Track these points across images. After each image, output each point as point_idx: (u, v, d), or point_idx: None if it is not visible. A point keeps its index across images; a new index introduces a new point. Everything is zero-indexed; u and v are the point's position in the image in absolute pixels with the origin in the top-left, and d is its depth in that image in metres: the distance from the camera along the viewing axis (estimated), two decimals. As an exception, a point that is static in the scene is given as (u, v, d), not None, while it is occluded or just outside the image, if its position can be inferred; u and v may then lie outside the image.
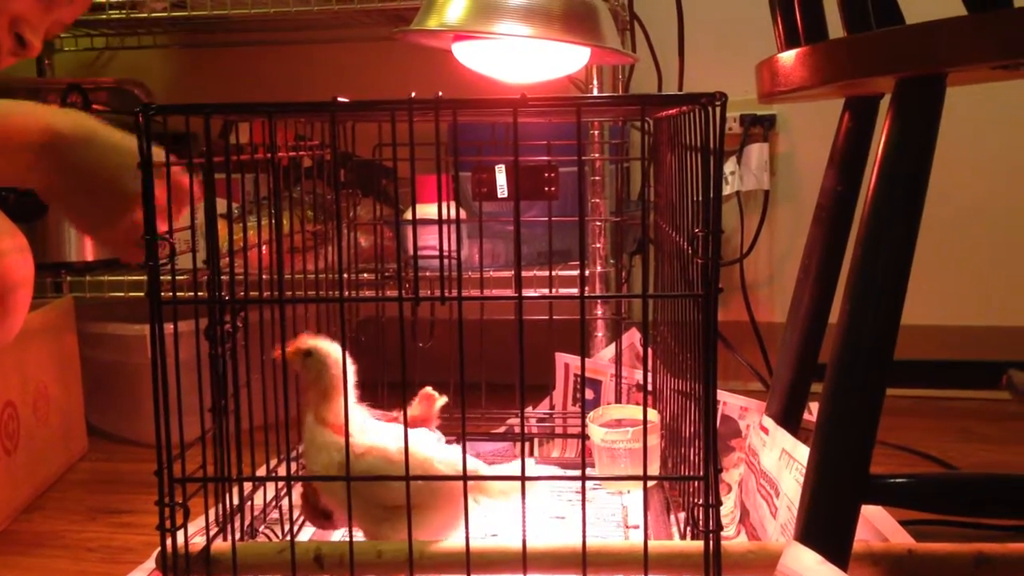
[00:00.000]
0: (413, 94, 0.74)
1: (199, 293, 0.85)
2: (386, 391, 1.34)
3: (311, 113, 1.04)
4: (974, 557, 0.85)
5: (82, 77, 1.89)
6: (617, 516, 1.17)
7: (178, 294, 0.84)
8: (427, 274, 1.38)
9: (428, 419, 1.07)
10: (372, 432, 0.93)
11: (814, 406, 1.04)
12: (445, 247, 0.79)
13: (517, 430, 1.39)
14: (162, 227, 0.79)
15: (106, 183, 0.85)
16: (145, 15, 1.72)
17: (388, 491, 0.90)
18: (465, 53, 1.21)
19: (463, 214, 1.59)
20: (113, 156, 0.85)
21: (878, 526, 0.93)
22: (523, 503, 0.80)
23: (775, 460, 1.07)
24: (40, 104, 0.92)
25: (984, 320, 1.80)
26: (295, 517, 1.08)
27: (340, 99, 0.78)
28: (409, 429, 0.94)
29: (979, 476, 0.86)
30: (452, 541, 0.87)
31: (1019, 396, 1.01)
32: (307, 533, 1.11)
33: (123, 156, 0.84)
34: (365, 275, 1.51)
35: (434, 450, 0.93)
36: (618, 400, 1.42)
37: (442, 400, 1.08)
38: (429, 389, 1.08)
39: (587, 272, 1.59)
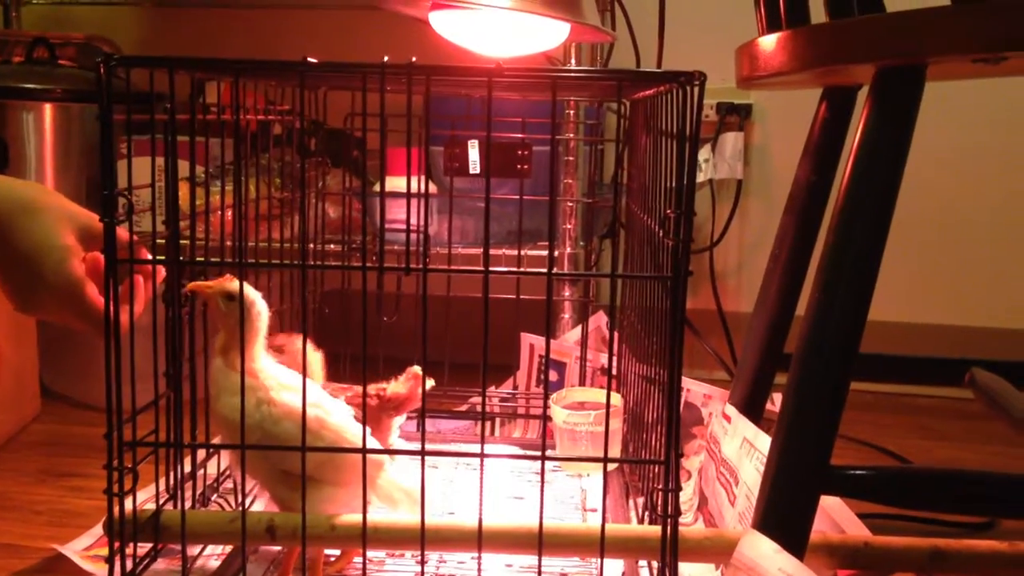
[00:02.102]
0: (386, 58, 0.72)
1: (158, 256, 0.83)
2: (348, 364, 1.33)
3: (279, 73, 1.01)
4: (929, 552, 0.85)
5: (50, 31, 1.84)
6: (576, 499, 1.17)
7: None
8: (396, 248, 1.37)
9: (412, 398, 1.04)
10: (286, 391, 0.88)
11: (778, 396, 1.03)
12: (413, 221, 0.77)
13: (479, 409, 1.38)
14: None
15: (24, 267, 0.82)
16: (117, -30, 1.68)
17: (296, 460, 0.81)
18: (443, 23, 1.18)
19: (433, 188, 1.57)
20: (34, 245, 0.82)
21: (836, 518, 0.93)
22: (481, 481, 0.79)
23: (736, 448, 1.07)
24: None
25: (950, 319, 1.81)
26: (249, 488, 1.06)
27: (310, 59, 0.76)
28: (329, 399, 0.91)
29: (938, 471, 0.86)
30: (407, 517, 0.86)
31: (981, 395, 1.01)
32: (261, 504, 1.09)
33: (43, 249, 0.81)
34: (332, 246, 1.49)
35: (348, 423, 0.89)
36: (582, 383, 1.41)
37: (430, 383, 1.02)
38: (417, 368, 1.04)
39: (556, 252, 1.58)
